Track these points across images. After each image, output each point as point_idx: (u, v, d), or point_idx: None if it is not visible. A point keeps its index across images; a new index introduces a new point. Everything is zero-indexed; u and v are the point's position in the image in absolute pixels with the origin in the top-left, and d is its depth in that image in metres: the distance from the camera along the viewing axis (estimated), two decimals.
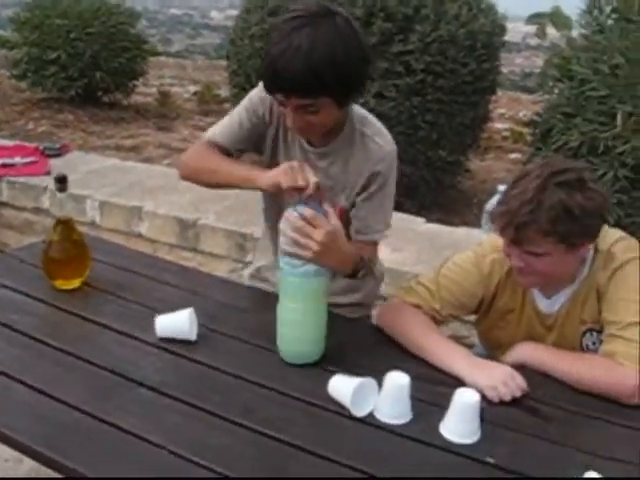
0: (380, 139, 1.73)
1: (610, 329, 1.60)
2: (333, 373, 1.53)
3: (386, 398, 1.45)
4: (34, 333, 1.70)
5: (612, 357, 1.55)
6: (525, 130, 5.51)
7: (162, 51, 13.00)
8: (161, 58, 10.88)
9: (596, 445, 1.42)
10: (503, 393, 1.50)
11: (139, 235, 3.61)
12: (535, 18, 5.89)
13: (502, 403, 1.50)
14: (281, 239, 1.54)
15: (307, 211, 1.49)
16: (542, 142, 3.85)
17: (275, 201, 1.84)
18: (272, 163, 1.79)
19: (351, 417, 1.45)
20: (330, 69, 1.48)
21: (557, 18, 5.29)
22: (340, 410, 1.46)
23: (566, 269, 1.66)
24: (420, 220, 3.59)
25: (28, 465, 2.36)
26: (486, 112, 4.75)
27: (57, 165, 4.05)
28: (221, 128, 1.82)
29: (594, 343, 1.69)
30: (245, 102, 1.80)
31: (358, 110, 1.77)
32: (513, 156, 5.80)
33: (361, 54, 1.57)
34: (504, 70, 5.41)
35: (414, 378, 1.46)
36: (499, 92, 5.51)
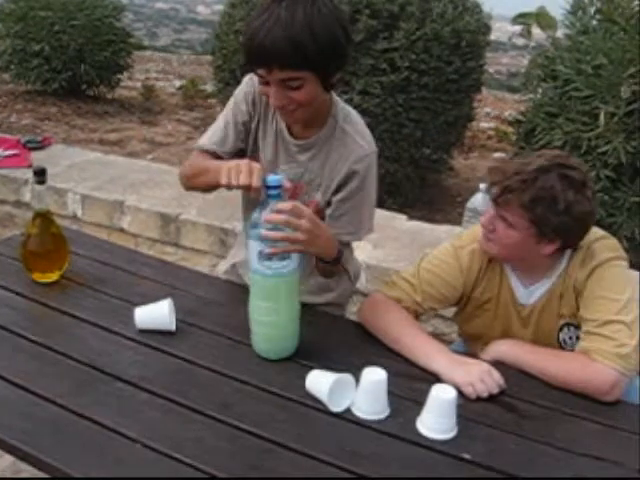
0: (361, 139, 1.72)
1: (587, 326, 1.62)
2: (311, 368, 1.54)
3: (363, 394, 1.45)
4: (11, 326, 1.69)
5: (589, 354, 1.56)
6: (510, 129, 5.54)
7: (148, 45, 12.96)
8: (147, 52, 10.86)
9: (572, 441, 1.43)
10: (480, 390, 1.50)
11: (121, 229, 3.60)
12: (521, 18, 5.91)
13: (479, 399, 1.50)
14: (252, 244, 1.51)
15: (284, 205, 1.47)
16: (525, 141, 3.87)
17: (248, 199, 1.84)
18: (253, 157, 1.79)
19: (328, 412, 1.45)
20: (309, 39, 1.48)
21: (542, 18, 5.31)
22: (317, 405, 1.46)
23: (526, 257, 1.68)
24: (402, 217, 3.60)
25: (6, 460, 2.34)
26: (470, 111, 4.77)
27: (39, 158, 4.02)
28: (209, 134, 1.82)
29: (571, 338, 1.71)
30: (230, 102, 1.81)
31: (343, 106, 1.76)
32: (497, 155, 5.82)
33: (341, 28, 1.56)
34: (490, 70, 5.44)
35: (391, 374, 1.46)
36: (485, 91, 5.54)
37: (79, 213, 3.68)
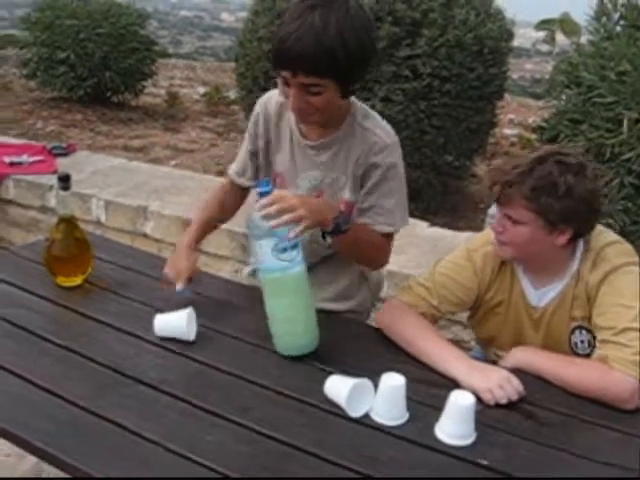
0: (381, 131, 1.74)
1: (604, 334, 1.61)
2: (330, 373, 1.55)
3: (382, 399, 1.46)
4: (36, 329, 1.72)
5: (606, 362, 1.55)
6: (533, 136, 5.51)
7: (172, 52, 13.07)
8: (171, 60, 10.94)
9: (591, 449, 1.42)
10: (499, 396, 1.50)
11: (144, 235, 3.63)
12: (544, 24, 5.90)
13: (498, 406, 1.50)
14: (263, 243, 1.55)
15: (267, 199, 1.53)
16: None
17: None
18: (267, 163, 1.86)
19: (347, 417, 1.45)
20: (340, 48, 1.50)
21: (566, 25, 5.30)
22: (336, 410, 1.47)
23: (541, 251, 1.68)
24: (423, 224, 3.60)
25: (31, 461, 2.37)
26: (493, 117, 4.75)
27: (64, 164, 4.08)
28: (234, 164, 1.97)
29: (582, 341, 1.70)
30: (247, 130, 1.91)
31: (362, 105, 1.78)
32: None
33: (369, 40, 1.58)
34: (514, 76, 5.42)
35: (410, 379, 1.46)
36: (508, 98, 5.52)
37: (103, 218, 3.72)
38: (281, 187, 1.82)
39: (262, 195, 1.55)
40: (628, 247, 1.69)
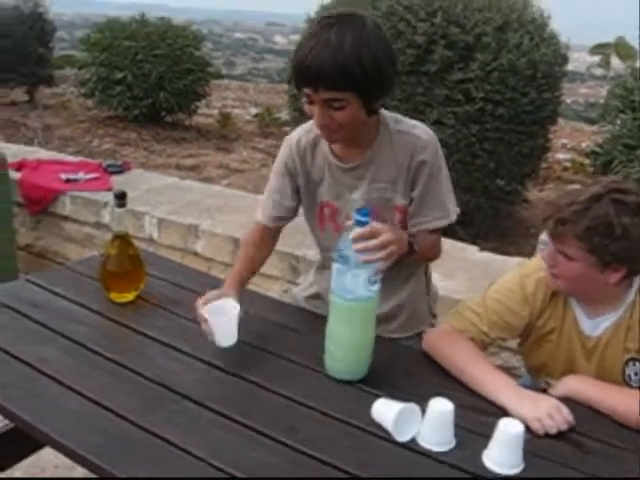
0: (417, 130, 1.76)
1: None
2: (377, 397, 1.54)
3: (429, 424, 1.44)
4: (88, 343, 1.75)
5: None
6: (586, 161, 5.44)
7: (225, 74, 13.26)
8: (224, 81, 11.11)
9: None
10: (548, 426, 1.47)
11: (195, 253, 3.67)
12: (599, 48, 5.84)
13: (547, 435, 1.47)
14: (352, 272, 1.55)
15: (362, 231, 1.54)
16: (603, 173, 3.80)
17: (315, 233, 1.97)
18: (311, 201, 1.89)
19: (393, 441, 1.44)
20: (355, 63, 1.54)
21: (621, 49, 5.23)
22: (382, 434, 1.46)
23: (594, 288, 1.64)
24: (473, 248, 3.56)
25: (79, 472, 2.40)
26: (545, 142, 4.70)
27: (118, 182, 4.16)
28: (261, 207, 1.96)
29: (636, 374, 1.66)
30: (273, 169, 1.95)
31: (390, 114, 1.79)
32: (572, 187, 5.72)
33: (386, 56, 1.62)
34: (567, 100, 5.36)
35: (458, 406, 1.45)
36: (562, 122, 5.45)
37: (155, 236, 3.78)
38: (332, 216, 1.86)
39: (359, 224, 1.55)
40: None
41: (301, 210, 1.95)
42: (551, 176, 5.99)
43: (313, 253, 2.16)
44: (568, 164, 6.36)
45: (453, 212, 1.83)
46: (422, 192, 1.77)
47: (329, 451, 1.41)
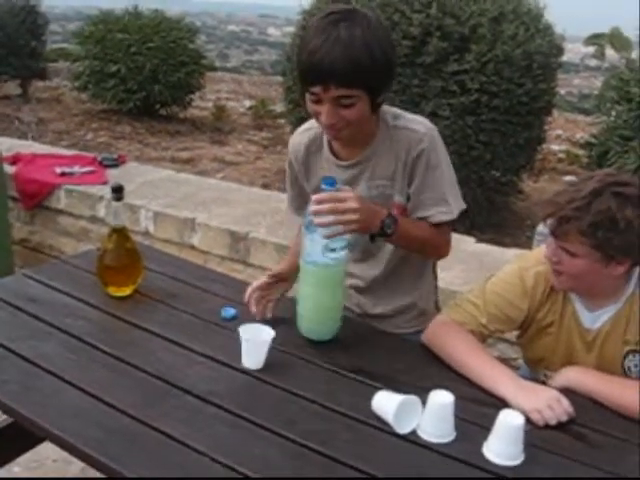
0: (414, 124, 1.73)
1: None
2: (377, 389, 1.54)
3: (430, 416, 1.44)
4: (87, 337, 1.75)
5: None
6: (581, 152, 5.44)
7: (219, 66, 13.23)
8: (218, 73, 11.08)
9: None
10: (548, 417, 1.48)
11: (191, 246, 3.67)
12: (594, 39, 5.83)
13: (547, 427, 1.48)
14: (316, 237, 1.60)
15: (322, 195, 1.56)
16: (598, 165, 3.80)
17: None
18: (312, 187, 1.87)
19: (394, 434, 1.45)
20: (367, 58, 1.54)
21: (616, 39, 5.23)
22: (383, 426, 1.46)
23: (598, 282, 1.64)
24: (470, 240, 3.56)
25: (77, 467, 2.41)
26: (541, 133, 4.71)
27: (114, 175, 4.14)
28: (287, 217, 2.03)
29: (636, 365, 1.66)
30: (286, 176, 1.97)
31: (388, 109, 1.78)
32: (568, 178, 5.72)
33: (393, 49, 1.65)
34: (561, 91, 5.36)
35: (459, 397, 1.45)
36: (556, 113, 5.45)
37: (151, 229, 3.77)
38: None
39: (323, 191, 1.58)
40: None
41: None
42: (546, 167, 6.00)
43: None
44: (562, 155, 6.37)
45: (456, 207, 1.76)
46: (419, 184, 1.73)
47: (330, 444, 1.40)
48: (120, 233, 1.93)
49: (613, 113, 3.89)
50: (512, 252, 3.43)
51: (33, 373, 1.60)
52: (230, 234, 3.52)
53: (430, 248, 1.83)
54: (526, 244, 4.02)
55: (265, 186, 5.04)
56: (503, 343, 2.82)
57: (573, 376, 1.64)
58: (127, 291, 1.96)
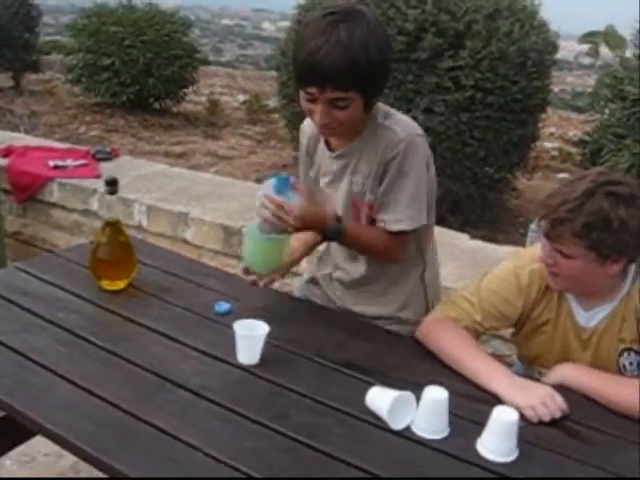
0: (397, 126, 1.71)
1: None
2: (371, 384, 1.54)
3: (424, 412, 1.44)
4: (79, 331, 1.74)
5: None
6: (574, 150, 5.45)
7: (213, 60, 13.19)
8: (212, 67, 11.05)
9: (635, 470, 1.39)
10: (542, 413, 1.48)
11: (184, 240, 3.65)
12: (588, 37, 5.83)
13: (541, 423, 1.48)
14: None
15: (270, 199, 1.68)
16: (591, 162, 3.81)
17: None
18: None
19: (388, 429, 1.44)
20: (365, 60, 1.54)
21: (611, 37, 5.23)
22: (377, 422, 1.46)
23: (594, 281, 1.64)
24: (464, 236, 3.56)
25: (68, 460, 2.40)
26: (535, 130, 4.71)
27: (107, 169, 4.12)
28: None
29: (631, 363, 1.66)
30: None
31: (382, 106, 1.77)
32: (561, 176, 5.73)
33: (389, 52, 1.64)
34: (555, 89, 5.36)
35: (453, 394, 1.45)
36: (549, 111, 5.46)
37: (144, 223, 3.76)
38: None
39: (277, 193, 1.68)
40: None
41: None
42: (539, 165, 6.01)
43: None
44: (555, 153, 6.38)
45: (411, 221, 1.73)
46: (387, 186, 1.73)
47: (323, 439, 1.40)
48: (114, 226, 1.92)
49: (607, 111, 3.90)
50: (505, 249, 3.43)
51: (25, 366, 1.59)
52: (223, 228, 3.51)
53: (382, 253, 1.82)
54: (519, 241, 4.02)
55: (259, 181, 5.02)
56: (497, 340, 2.82)
57: (568, 373, 1.64)
58: (120, 285, 1.95)
